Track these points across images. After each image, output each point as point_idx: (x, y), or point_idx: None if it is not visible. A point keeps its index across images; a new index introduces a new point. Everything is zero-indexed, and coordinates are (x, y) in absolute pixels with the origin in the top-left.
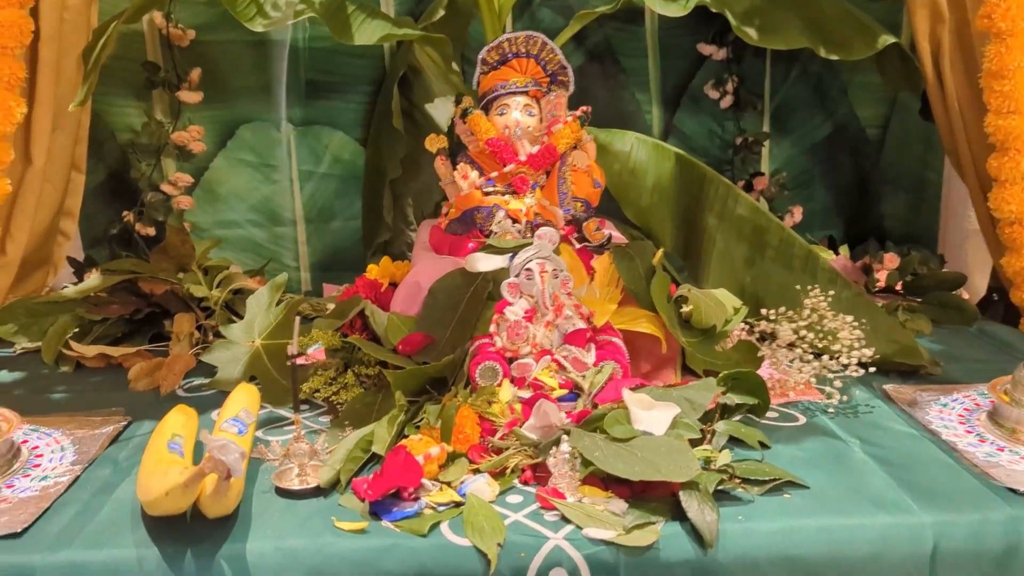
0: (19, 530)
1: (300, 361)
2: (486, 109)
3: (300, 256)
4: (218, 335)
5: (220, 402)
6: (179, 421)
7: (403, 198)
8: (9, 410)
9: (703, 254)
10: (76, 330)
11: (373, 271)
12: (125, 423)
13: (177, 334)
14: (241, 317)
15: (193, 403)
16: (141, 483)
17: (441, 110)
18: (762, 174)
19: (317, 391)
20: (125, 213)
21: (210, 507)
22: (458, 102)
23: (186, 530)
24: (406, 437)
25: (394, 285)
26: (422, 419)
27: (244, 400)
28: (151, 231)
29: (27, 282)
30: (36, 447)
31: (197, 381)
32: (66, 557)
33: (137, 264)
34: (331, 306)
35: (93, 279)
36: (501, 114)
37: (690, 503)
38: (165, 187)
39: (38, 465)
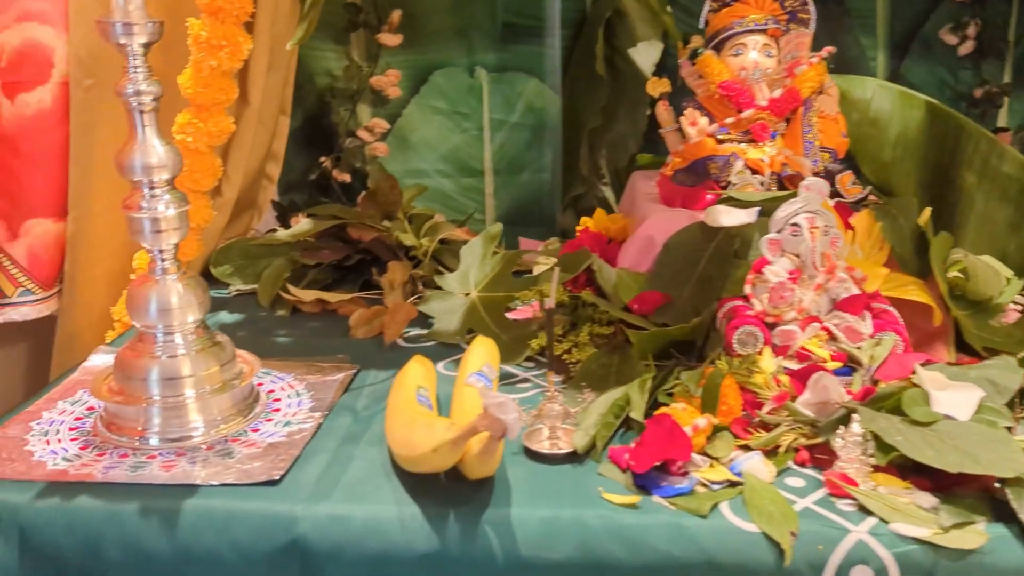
0: (277, 477)
1: (516, 315)
2: (716, 49)
3: (487, 208)
4: (427, 285)
5: (440, 354)
6: (420, 372)
7: (597, 150)
8: (248, 353)
9: (958, 215)
10: (288, 274)
11: (588, 224)
12: (354, 371)
13: (391, 282)
14: (447, 268)
15: (411, 353)
16: (398, 437)
17: (644, 55)
18: (1006, 130)
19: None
20: (322, 159)
21: (474, 468)
22: (685, 42)
23: (444, 489)
24: (660, 405)
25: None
26: (674, 385)
27: (484, 354)
28: (347, 178)
29: (235, 224)
30: (271, 391)
31: (413, 332)
32: (327, 509)
33: (342, 210)
34: (541, 261)
35: (304, 224)
36: (736, 55)
37: (1021, 503)
38: (361, 133)
39: (278, 410)
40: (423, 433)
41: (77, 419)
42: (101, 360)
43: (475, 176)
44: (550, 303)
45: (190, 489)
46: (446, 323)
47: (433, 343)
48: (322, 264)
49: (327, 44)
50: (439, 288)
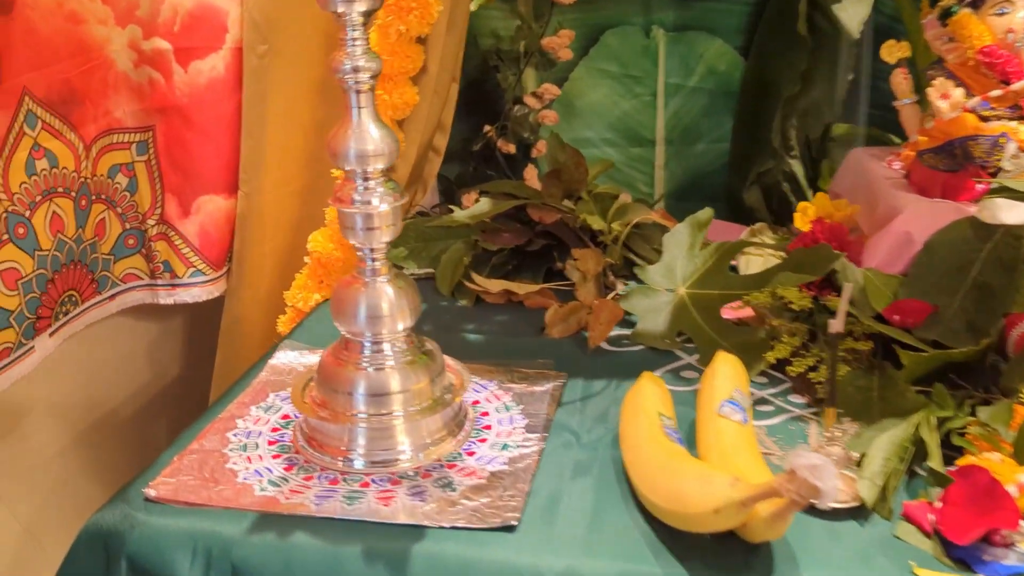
0: (514, 523)
1: (730, 315)
2: (974, 7)
3: (656, 181)
4: (616, 275)
5: (650, 360)
6: (656, 395)
7: (787, 119)
8: (452, 359)
9: None
10: (468, 260)
11: (809, 210)
12: (563, 381)
13: (583, 273)
14: (637, 255)
15: (618, 359)
16: (661, 486)
17: (851, 12)
18: None
19: (788, 363)
20: (487, 128)
21: (758, 531)
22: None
23: (712, 550)
24: (951, 446)
25: None
26: (967, 423)
27: (732, 375)
28: (512, 149)
29: None
30: (476, 402)
31: (613, 331)
32: (577, 565)
33: (517, 187)
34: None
35: (483, 203)
36: (1001, 13)
37: None
38: (528, 100)
39: (488, 427)
40: (698, 487)
41: (274, 430)
42: (287, 358)
43: (644, 146)
44: (837, 325)
45: (417, 531)
46: (651, 323)
47: (639, 347)
48: (504, 249)
49: (494, 1)
50: (636, 281)
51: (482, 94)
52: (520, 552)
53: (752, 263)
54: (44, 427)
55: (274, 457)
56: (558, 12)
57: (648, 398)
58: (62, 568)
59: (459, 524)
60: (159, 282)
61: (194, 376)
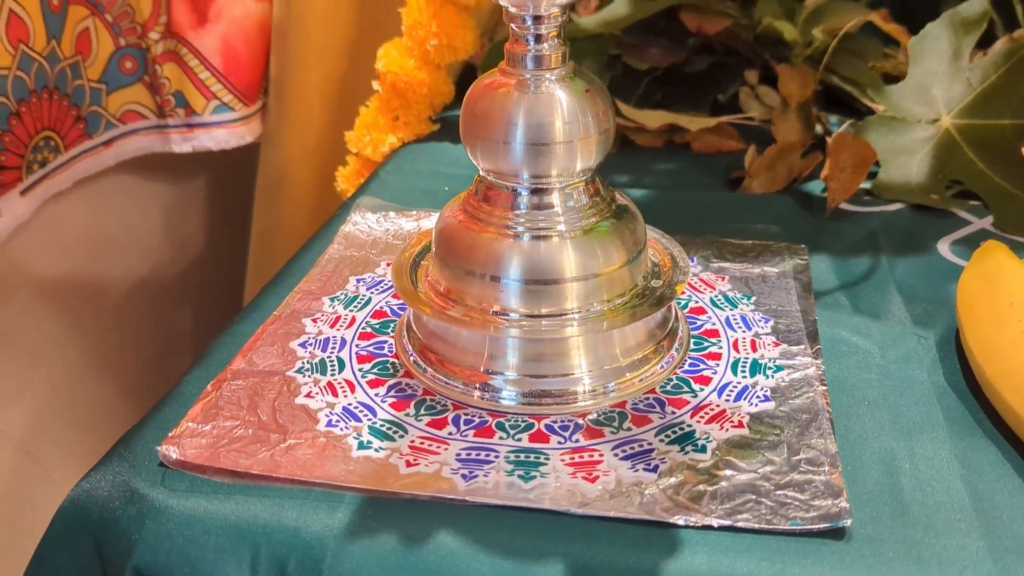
0: (845, 524)
1: None
2: None
3: None
4: (826, 105)
5: (916, 226)
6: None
7: None
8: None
9: None
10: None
11: None
12: (804, 258)
13: (785, 98)
14: (848, 80)
15: (866, 224)
16: None
17: None
18: None
19: None
20: None
21: None
22: None
23: None
24: None
25: None
26: None
27: None
28: None
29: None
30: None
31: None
32: None
33: None
34: None
35: (618, 3)
36: None
37: None
38: None
39: (714, 332)
40: None
41: (365, 338)
42: (368, 223)
43: None
44: None
45: (669, 533)
46: (900, 170)
47: (896, 205)
48: (656, 71)
49: None
50: (868, 111)
51: None
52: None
53: None
54: (32, 315)
55: (371, 385)
56: None
57: (1008, 276)
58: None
59: (742, 522)
60: (170, 122)
61: (225, 253)
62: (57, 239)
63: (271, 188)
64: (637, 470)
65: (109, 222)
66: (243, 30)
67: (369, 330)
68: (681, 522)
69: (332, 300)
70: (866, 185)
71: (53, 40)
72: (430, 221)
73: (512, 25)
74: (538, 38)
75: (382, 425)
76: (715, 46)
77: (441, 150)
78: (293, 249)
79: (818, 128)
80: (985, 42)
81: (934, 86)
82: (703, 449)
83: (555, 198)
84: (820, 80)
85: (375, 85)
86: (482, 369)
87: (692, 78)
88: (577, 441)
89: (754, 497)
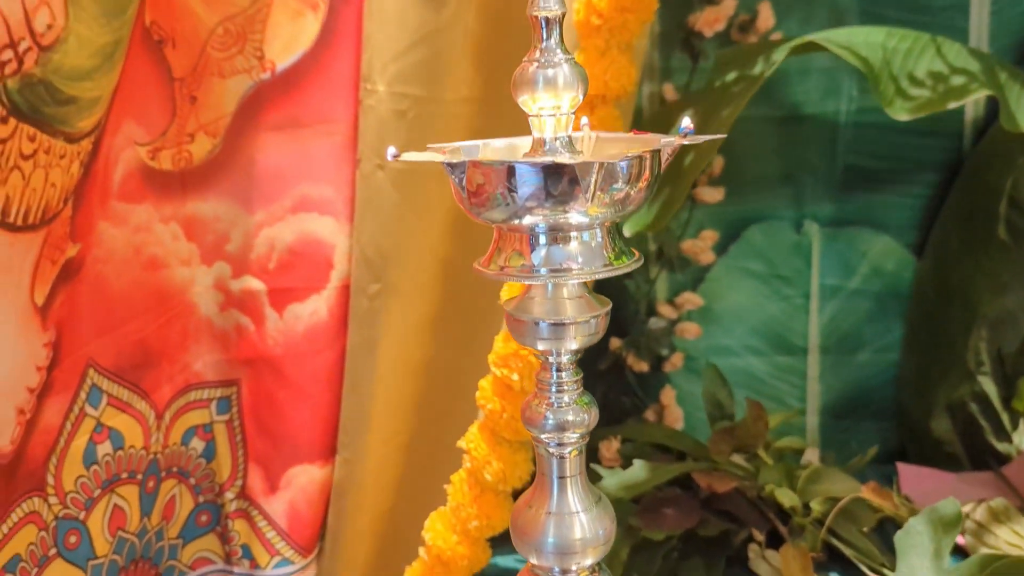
0: None
1: None
2: None
3: (808, 395)
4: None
5: None
6: None
7: (977, 331)
8: None
9: None
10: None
11: None
12: None
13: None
14: (844, 541)
15: None
16: None
17: None
18: None
19: None
20: (616, 345)
21: None
22: None
23: None
24: None
25: None
26: None
27: None
28: (644, 367)
29: None
30: None
31: None
32: None
33: (671, 435)
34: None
35: (637, 469)
36: None
37: None
38: (663, 309)
39: None
40: None
41: None
42: None
43: (795, 355)
44: None
45: None
46: None
47: None
48: (671, 540)
49: None
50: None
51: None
52: None
53: None
54: None
55: None
56: (702, 210)
57: None
58: None
59: None
60: (235, 570)
61: None
62: None
63: None
64: None
65: None
66: (308, 495)
67: None
68: None
69: None
70: None
71: (145, 517)
72: None
73: None
74: None
75: None
76: (726, 507)
77: None
78: None
79: None
80: None
81: None
82: None
83: None
84: (823, 541)
85: (421, 552)
86: None
87: (705, 542)
88: None
89: None
